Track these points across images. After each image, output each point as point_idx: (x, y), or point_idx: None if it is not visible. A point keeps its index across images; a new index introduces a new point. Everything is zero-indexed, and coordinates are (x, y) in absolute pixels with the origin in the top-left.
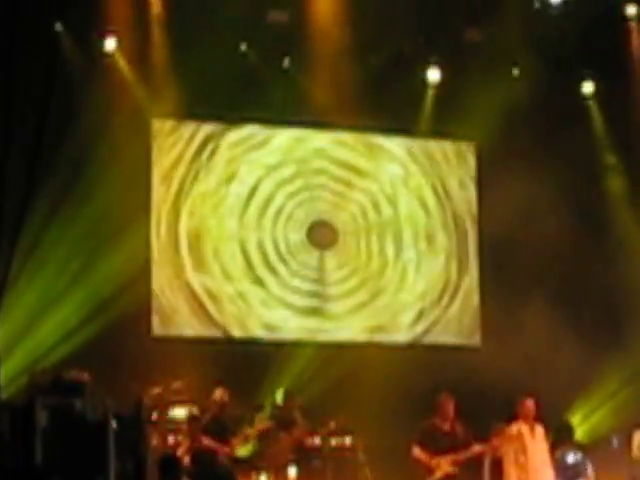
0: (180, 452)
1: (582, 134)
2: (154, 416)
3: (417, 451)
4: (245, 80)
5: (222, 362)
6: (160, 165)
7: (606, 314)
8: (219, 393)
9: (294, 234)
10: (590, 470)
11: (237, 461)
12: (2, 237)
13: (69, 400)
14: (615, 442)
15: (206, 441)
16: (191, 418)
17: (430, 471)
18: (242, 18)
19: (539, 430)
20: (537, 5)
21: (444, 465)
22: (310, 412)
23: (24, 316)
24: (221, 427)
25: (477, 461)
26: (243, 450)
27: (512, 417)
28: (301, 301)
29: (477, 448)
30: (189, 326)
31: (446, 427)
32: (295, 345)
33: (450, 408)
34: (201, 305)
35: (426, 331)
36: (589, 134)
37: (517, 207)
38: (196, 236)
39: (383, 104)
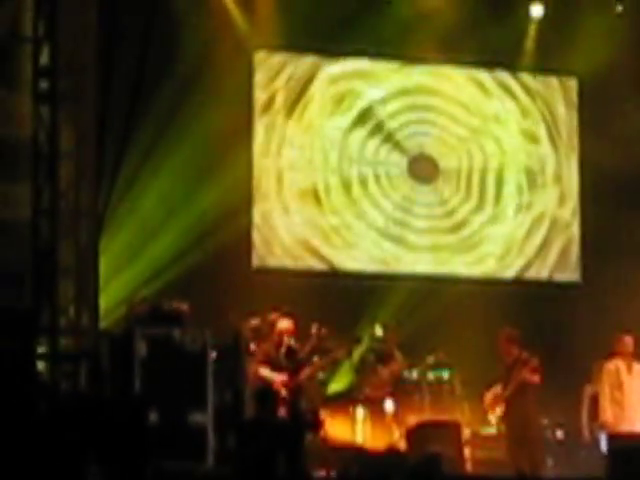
0: (278, 384)
1: None
2: (252, 347)
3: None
4: (347, 12)
5: (321, 295)
6: (262, 96)
7: None
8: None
9: (395, 167)
10: None
11: (332, 396)
12: (104, 167)
13: (168, 330)
14: None
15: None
16: (289, 350)
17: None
18: None
19: (637, 367)
20: None
21: (487, 400)
22: (409, 346)
23: (125, 246)
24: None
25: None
26: (339, 384)
27: (611, 354)
28: (400, 234)
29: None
30: (289, 258)
31: (507, 361)
32: (394, 279)
33: (503, 343)
34: (301, 237)
35: (526, 267)
36: None
37: (619, 142)
38: (297, 168)
39: (486, 39)
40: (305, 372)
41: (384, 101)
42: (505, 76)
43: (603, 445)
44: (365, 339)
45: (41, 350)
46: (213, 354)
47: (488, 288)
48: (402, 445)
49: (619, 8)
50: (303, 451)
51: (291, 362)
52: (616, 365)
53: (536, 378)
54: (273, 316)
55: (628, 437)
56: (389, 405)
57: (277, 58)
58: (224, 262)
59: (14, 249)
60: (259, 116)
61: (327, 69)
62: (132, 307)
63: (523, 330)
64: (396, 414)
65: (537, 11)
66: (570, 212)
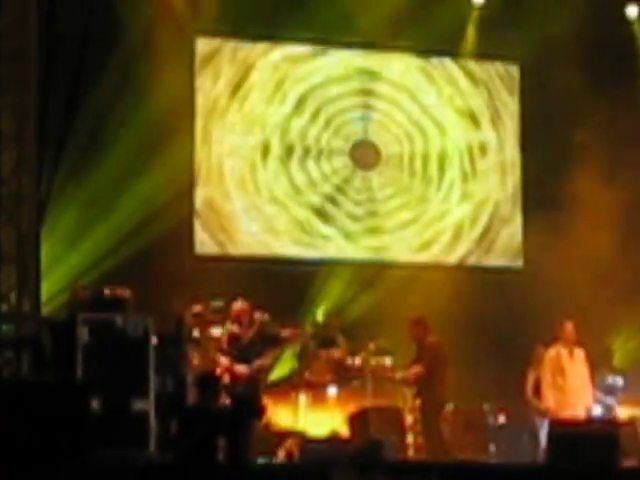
0: (220, 370)
1: (627, 56)
2: (195, 334)
3: None
4: None
5: (263, 281)
6: (203, 83)
7: None
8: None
9: (337, 153)
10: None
11: (274, 382)
12: (45, 153)
13: (110, 316)
14: None
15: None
16: (231, 337)
17: None
18: None
19: (578, 353)
20: None
21: None
22: (352, 332)
23: (66, 232)
24: (260, 346)
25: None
26: (281, 370)
27: (553, 339)
28: (343, 220)
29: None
30: (231, 244)
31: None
32: (337, 264)
33: (411, 331)
34: (243, 223)
35: (469, 252)
36: (633, 56)
37: (561, 128)
38: (239, 154)
39: (428, 25)
40: (262, 362)
41: (324, 87)
42: (446, 62)
43: (544, 431)
44: (307, 325)
45: None
46: (155, 340)
47: (430, 273)
48: (344, 431)
49: None
50: (245, 438)
51: (234, 349)
52: (557, 351)
53: (413, 370)
54: (218, 303)
55: (569, 423)
56: (331, 391)
57: (218, 44)
58: (166, 249)
59: None
60: (200, 102)
61: (269, 55)
62: (74, 293)
63: (466, 316)
64: (338, 400)
65: None
66: (512, 197)
